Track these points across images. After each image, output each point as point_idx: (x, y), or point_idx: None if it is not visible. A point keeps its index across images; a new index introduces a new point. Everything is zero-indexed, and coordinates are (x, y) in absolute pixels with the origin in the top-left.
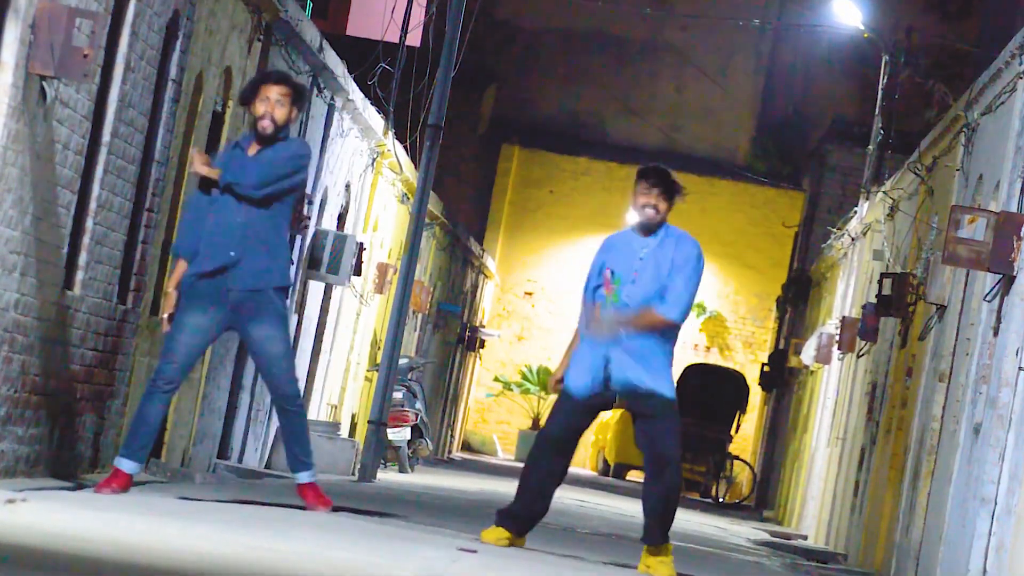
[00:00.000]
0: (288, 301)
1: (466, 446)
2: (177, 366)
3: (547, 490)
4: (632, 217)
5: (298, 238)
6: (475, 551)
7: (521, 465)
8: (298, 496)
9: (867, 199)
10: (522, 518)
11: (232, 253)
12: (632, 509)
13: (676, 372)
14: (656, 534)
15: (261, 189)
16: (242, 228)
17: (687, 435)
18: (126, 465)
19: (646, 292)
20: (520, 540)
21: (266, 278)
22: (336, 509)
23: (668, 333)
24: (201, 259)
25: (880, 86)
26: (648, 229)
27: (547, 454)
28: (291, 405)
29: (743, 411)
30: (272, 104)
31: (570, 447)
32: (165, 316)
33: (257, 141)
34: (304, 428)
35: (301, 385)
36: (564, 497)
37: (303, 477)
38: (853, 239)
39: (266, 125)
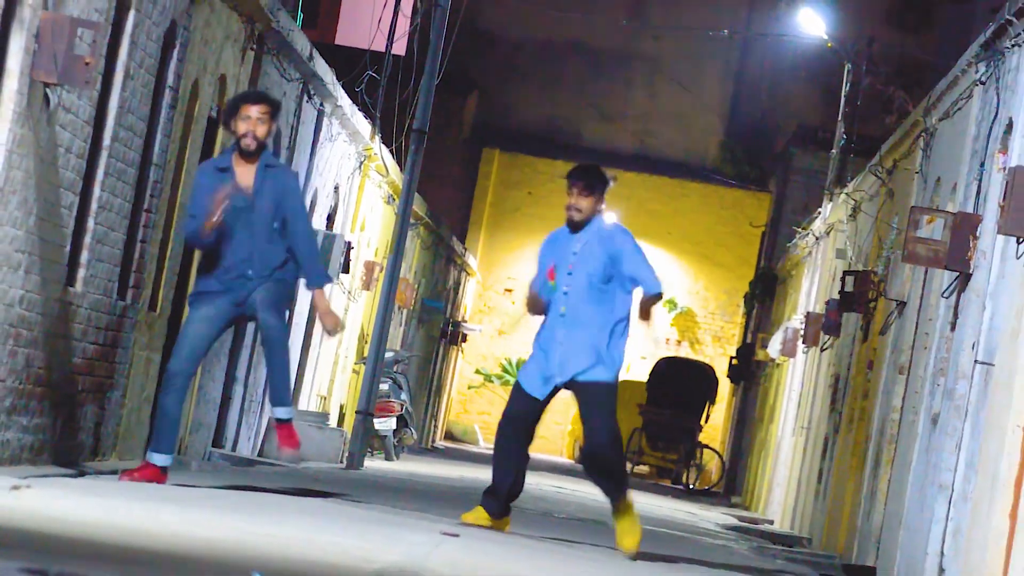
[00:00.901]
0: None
1: (449, 435)
2: (181, 358)
3: (519, 468)
4: (606, 217)
5: None
6: (457, 535)
7: None
8: (273, 430)
9: (830, 200)
10: (500, 497)
11: (250, 272)
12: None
13: (649, 366)
14: (614, 492)
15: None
16: (254, 260)
17: (660, 425)
18: (157, 459)
19: (581, 283)
20: (501, 523)
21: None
22: (326, 495)
23: (621, 325)
24: (211, 277)
25: (843, 93)
26: (576, 227)
27: (510, 432)
28: (272, 335)
29: (712, 402)
30: (254, 122)
31: (531, 426)
32: (217, 213)
33: (241, 157)
34: (284, 362)
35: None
36: (542, 484)
37: (280, 412)
38: (817, 238)
39: (249, 143)
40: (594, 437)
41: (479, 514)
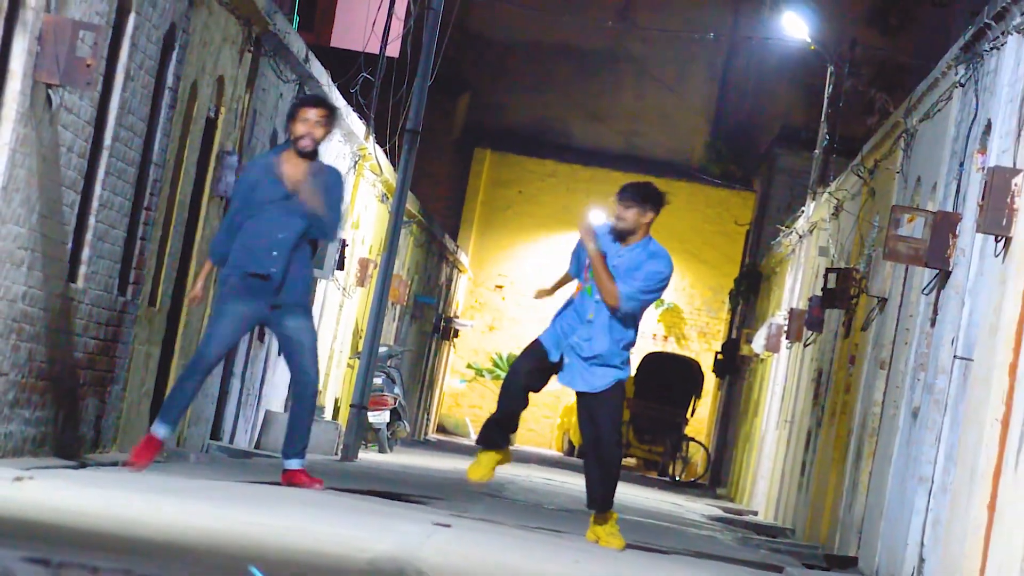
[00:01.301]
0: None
1: (441, 428)
2: (219, 349)
3: (518, 409)
4: (593, 215)
5: None
6: (449, 525)
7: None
8: (288, 482)
9: (813, 199)
10: (501, 432)
11: (273, 269)
12: None
13: (636, 360)
14: (601, 503)
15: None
16: (285, 243)
17: (647, 418)
18: (160, 430)
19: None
20: (507, 453)
21: (306, 290)
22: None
23: (626, 340)
24: (244, 260)
25: (826, 94)
26: (622, 238)
27: (516, 382)
28: (307, 391)
29: (698, 396)
30: (312, 124)
31: (534, 383)
32: (194, 297)
33: (297, 156)
34: (309, 417)
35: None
36: (532, 475)
37: (293, 464)
38: (800, 236)
39: (306, 144)
40: (603, 440)
41: (488, 458)
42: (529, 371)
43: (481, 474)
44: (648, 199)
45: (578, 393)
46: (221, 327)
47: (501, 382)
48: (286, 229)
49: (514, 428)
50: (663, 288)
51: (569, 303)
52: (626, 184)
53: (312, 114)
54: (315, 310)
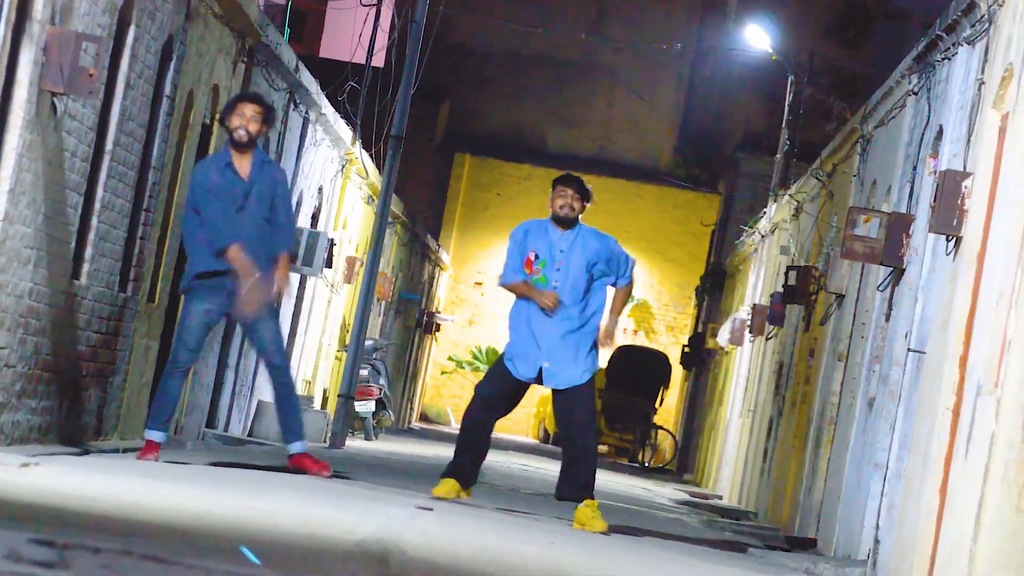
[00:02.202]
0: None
1: (424, 417)
2: (190, 351)
3: (485, 445)
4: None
5: None
6: (431, 509)
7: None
8: (295, 466)
9: (775, 201)
10: (467, 472)
11: (229, 267)
12: None
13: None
14: (575, 492)
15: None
16: (249, 238)
17: (617, 408)
18: (155, 436)
19: (572, 278)
20: (466, 492)
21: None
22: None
23: (595, 322)
24: (205, 260)
25: (786, 102)
26: (566, 224)
27: (482, 410)
28: (278, 377)
29: (666, 387)
30: (247, 119)
31: (502, 408)
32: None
33: (234, 148)
34: (292, 399)
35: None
36: (509, 462)
37: (296, 447)
38: (763, 236)
39: (241, 135)
40: (584, 433)
41: (450, 485)
42: (491, 402)
43: (443, 493)
44: (587, 196)
45: (557, 389)
46: (190, 326)
47: (479, 375)
48: (246, 233)
49: (479, 462)
50: None
51: (524, 304)
52: (568, 176)
53: (248, 109)
54: (304, 305)
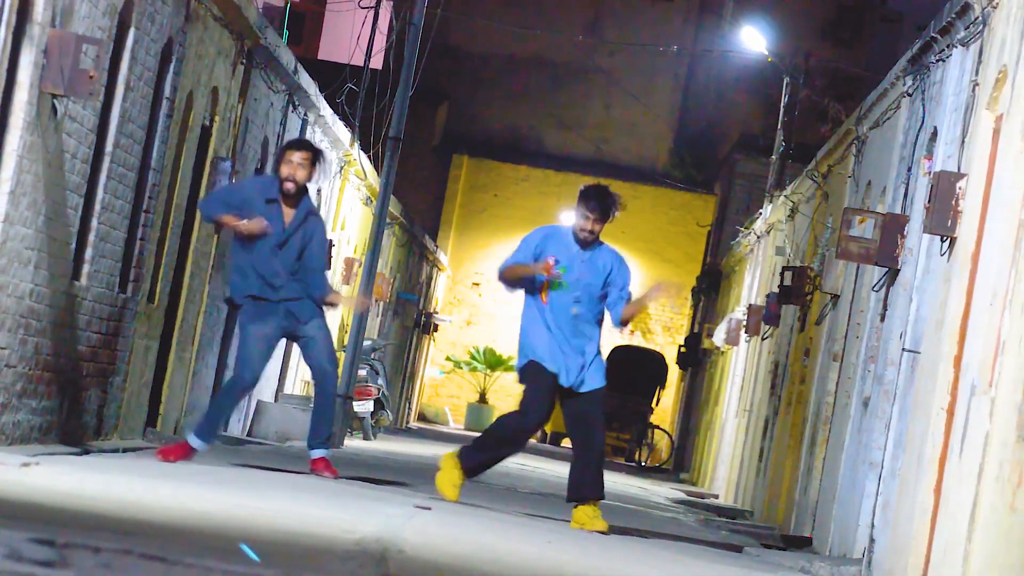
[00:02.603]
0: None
1: (422, 417)
2: (253, 370)
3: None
4: (564, 217)
5: None
6: (430, 508)
7: (469, 433)
8: (313, 470)
9: (771, 202)
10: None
11: (278, 297)
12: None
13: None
14: (594, 491)
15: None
16: (283, 277)
17: (614, 407)
18: (196, 443)
19: (590, 291)
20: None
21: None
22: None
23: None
24: (249, 287)
25: (782, 104)
26: (586, 244)
27: (528, 433)
28: (325, 384)
29: (663, 386)
30: (295, 167)
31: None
32: (243, 224)
33: (283, 197)
34: (330, 409)
35: (277, 368)
36: (507, 462)
37: (316, 453)
38: (758, 237)
39: (290, 187)
40: (599, 433)
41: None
42: (542, 423)
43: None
44: (610, 214)
45: (571, 390)
46: (250, 349)
47: (477, 375)
48: (280, 269)
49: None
50: None
51: (541, 310)
52: (595, 194)
53: (296, 156)
54: None
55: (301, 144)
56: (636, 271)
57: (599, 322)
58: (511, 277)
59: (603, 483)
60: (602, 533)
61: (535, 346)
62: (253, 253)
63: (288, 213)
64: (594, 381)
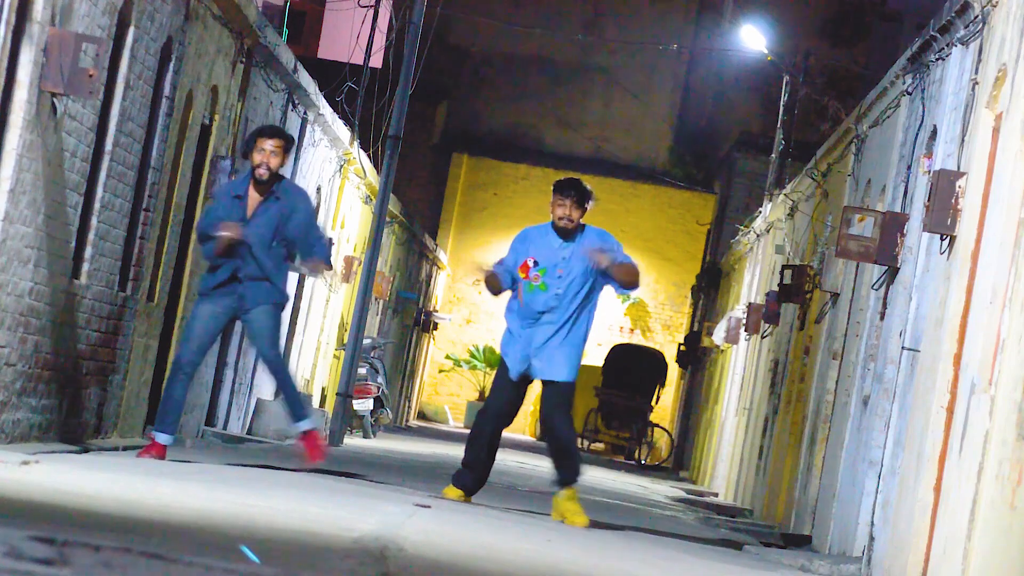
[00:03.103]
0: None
1: (421, 415)
2: (190, 349)
3: (491, 456)
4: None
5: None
6: (429, 506)
7: (469, 431)
8: (298, 444)
9: (770, 200)
10: (474, 482)
11: (236, 282)
12: None
13: (604, 352)
14: (565, 477)
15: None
16: (257, 250)
17: (614, 406)
18: (161, 438)
19: (573, 287)
20: (469, 498)
21: (269, 293)
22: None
23: (589, 327)
24: (215, 275)
25: (781, 102)
26: (567, 234)
27: (490, 424)
28: (271, 367)
29: (662, 385)
30: (267, 154)
31: (510, 417)
32: (227, 234)
33: (255, 186)
34: (287, 385)
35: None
36: (506, 459)
37: (304, 425)
38: (758, 235)
39: (262, 173)
40: (553, 420)
41: (456, 492)
42: (500, 414)
43: (454, 497)
44: (587, 201)
45: (547, 381)
46: (192, 327)
47: (476, 373)
48: (248, 257)
49: (487, 475)
50: None
51: (515, 311)
52: (566, 183)
53: (268, 144)
54: (302, 304)
55: (272, 131)
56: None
57: (582, 319)
58: (490, 287)
59: (577, 469)
60: (584, 528)
61: (504, 345)
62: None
63: (255, 200)
64: (562, 373)
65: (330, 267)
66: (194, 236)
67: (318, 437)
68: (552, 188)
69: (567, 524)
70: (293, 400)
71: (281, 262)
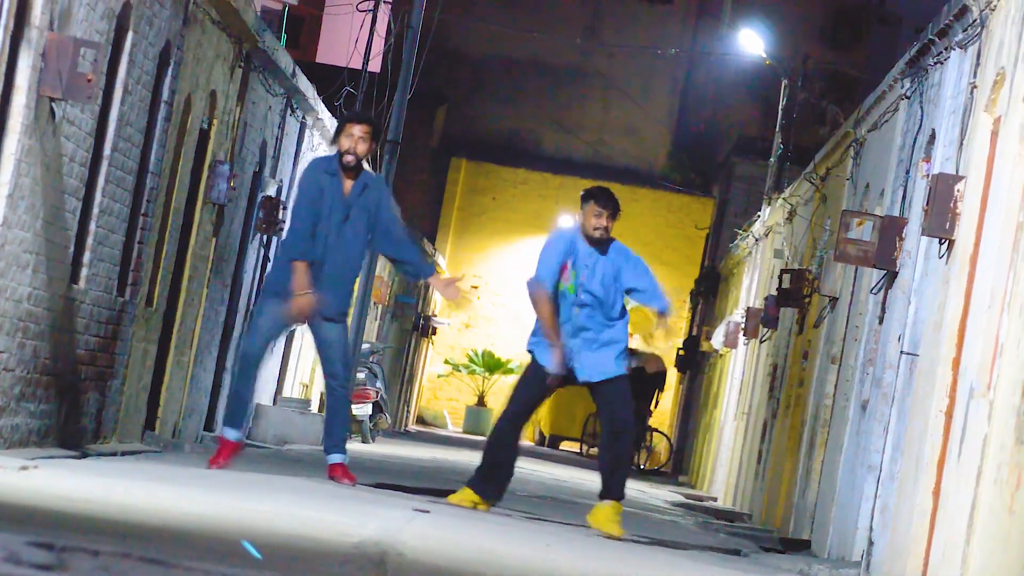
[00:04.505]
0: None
1: (420, 420)
2: (254, 341)
3: (514, 461)
4: (563, 220)
5: (275, 239)
6: (428, 511)
7: (468, 436)
8: (330, 476)
9: (769, 205)
10: (496, 489)
11: (324, 272)
12: (564, 474)
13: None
14: (614, 490)
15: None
16: (340, 258)
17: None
18: (231, 434)
19: (602, 292)
20: (485, 505)
21: (344, 303)
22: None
23: (625, 326)
24: (284, 270)
25: (780, 106)
26: (599, 244)
27: (513, 429)
28: (334, 389)
29: (661, 389)
30: (355, 140)
31: (528, 419)
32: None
33: (343, 170)
34: (342, 412)
35: (273, 360)
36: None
37: (334, 458)
38: (757, 239)
39: (349, 159)
40: (623, 426)
41: (469, 495)
42: (520, 412)
43: (458, 500)
44: (618, 211)
45: (593, 383)
46: (259, 321)
47: (475, 377)
48: (340, 254)
49: (508, 478)
50: None
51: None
52: (602, 193)
53: (356, 130)
54: None
55: (362, 118)
56: None
57: (615, 318)
58: (540, 317)
59: (617, 482)
60: (613, 538)
61: (537, 344)
62: (318, 239)
63: (347, 186)
64: (607, 370)
65: (460, 287)
66: (194, 238)
67: (347, 469)
68: (586, 195)
69: (602, 531)
70: (341, 430)
71: (363, 257)
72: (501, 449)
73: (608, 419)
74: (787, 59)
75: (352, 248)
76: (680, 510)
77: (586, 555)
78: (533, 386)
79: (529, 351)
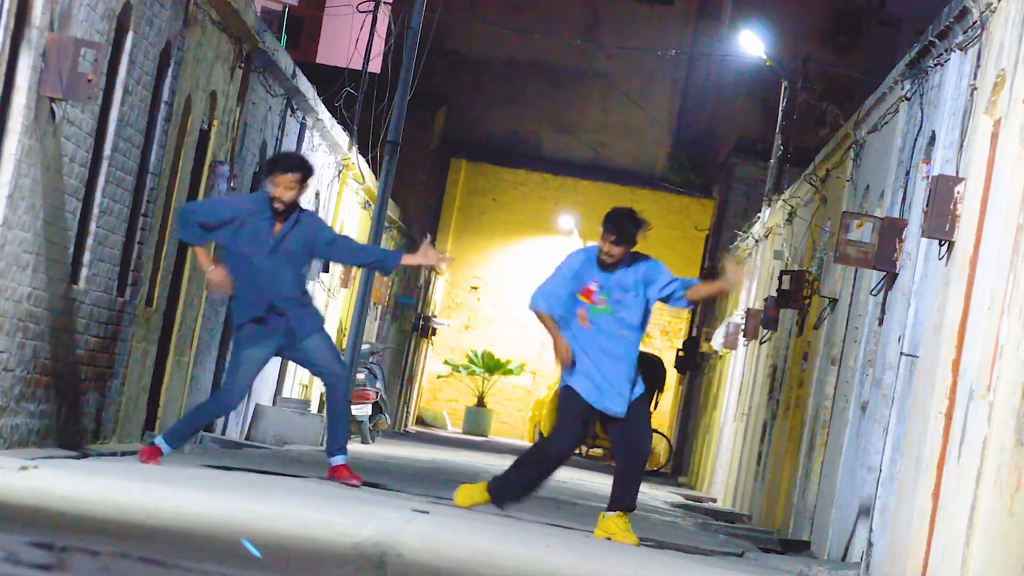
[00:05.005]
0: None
1: (420, 420)
2: (240, 396)
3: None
4: (563, 221)
5: None
6: (427, 512)
7: (467, 437)
8: (331, 477)
9: (769, 206)
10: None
11: (276, 314)
12: (564, 475)
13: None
14: (627, 501)
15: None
16: (279, 296)
17: None
18: (165, 448)
19: (631, 310)
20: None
21: (313, 320)
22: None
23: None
24: (246, 309)
25: (780, 108)
26: (611, 267)
27: (566, 448)
28: (334, 388)
29: (661, 390)
30: (282, 190)
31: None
32: (211, 269)
33: (274, 215)
34: (343, 412)
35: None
36: (504, 466)
37: (336, 460)
38: (757, 241)
39: (278, 207)
40: (643, 443)
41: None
42: (568, 448)
43: (462, 500)
44: (631, 239)
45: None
46: (240, 374)
47: (475, 378)
48: (277, 284)
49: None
50: None
51: (579, 335)
52: (612, 217)
53: (283, 180)
54: None
55: (287, 166)
56: None
57: (638, 339)
58: (544, 324)
59: (636, 494)
60: (634, 545)
61: (572, 372)
62: (246, 272)
63: (277, 227)
64: (633, 395)
65: (436, 252)
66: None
67: (349, 469)
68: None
69: (617, 541)
70: (343, 430)
71: (303, 277)
72: (541, 471)
73: (624, 432)
74: (787, 60)
75: (285, 272)
76: (680, 511)
77: (586, 556)
78: (581, 413)
79: (560, 389)
